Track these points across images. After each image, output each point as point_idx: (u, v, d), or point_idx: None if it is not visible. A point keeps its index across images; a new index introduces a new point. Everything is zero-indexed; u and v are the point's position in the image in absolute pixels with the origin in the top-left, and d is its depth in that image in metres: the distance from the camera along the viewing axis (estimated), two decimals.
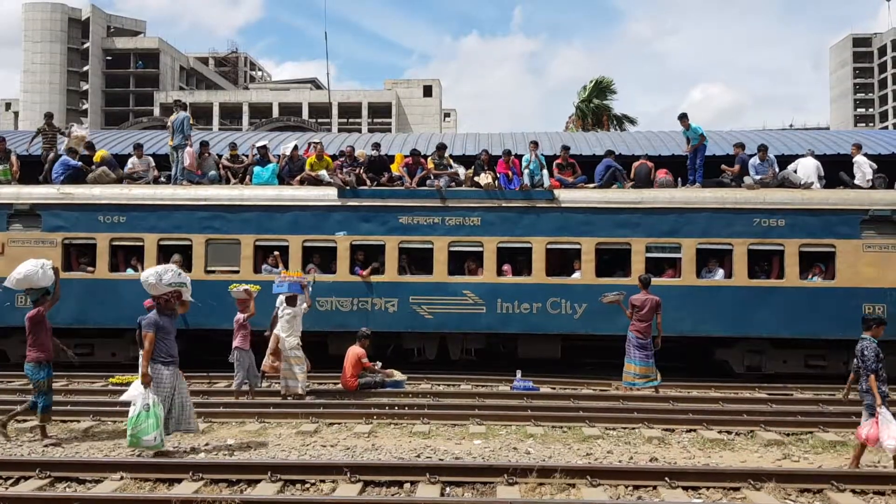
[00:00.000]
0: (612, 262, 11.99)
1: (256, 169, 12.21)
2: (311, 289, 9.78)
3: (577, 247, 11.49)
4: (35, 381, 7.04)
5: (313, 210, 11.58)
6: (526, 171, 11.74)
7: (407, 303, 11.34)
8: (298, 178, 12.09)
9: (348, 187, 11.66)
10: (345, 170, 11.88)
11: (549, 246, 11.48)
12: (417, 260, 12.01)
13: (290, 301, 9.38)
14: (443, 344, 11.88)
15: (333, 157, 12.56)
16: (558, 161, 12.25)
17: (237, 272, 11.58)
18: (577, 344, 12.25)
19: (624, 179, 12.07)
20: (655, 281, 10.66)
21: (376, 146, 12.31)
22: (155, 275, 6.42)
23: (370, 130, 54.82)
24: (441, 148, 12.11)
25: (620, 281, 11.27)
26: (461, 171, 12.30)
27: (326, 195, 11.70)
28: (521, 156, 12.07)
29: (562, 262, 11.94)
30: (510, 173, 11.75)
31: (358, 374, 9.64)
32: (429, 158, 12.16)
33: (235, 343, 9.18)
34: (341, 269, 11.56)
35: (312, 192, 11.74)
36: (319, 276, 11.63)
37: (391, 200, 11.62)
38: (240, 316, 9.26)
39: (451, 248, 11.55)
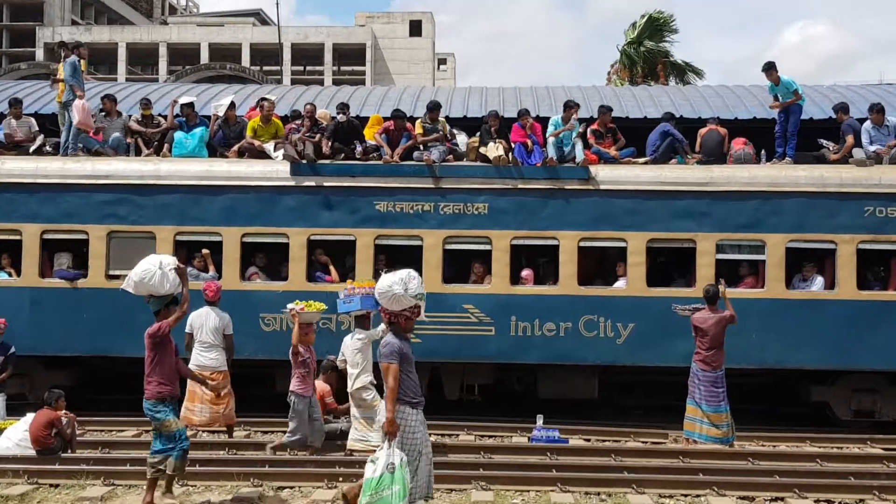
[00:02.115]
0: (670, 265, 12.05)
1: (178, 135, 12.30)
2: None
3: (622, 244, 11.56)
4: (158, 421, 7.18)
5: (257, 192, 11.68)
6: (552, 140, 11.82)
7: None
8: (236, 147, 12.21)
9: (305, 161, 11.71)
10: (298, 137, 11.91)
11: (582, 243, 11.54)
12: (401, 261, 11.85)
13: (361, 322, 9.42)
14: (436, 377, 11.93)
15: (285, 120, 12.64)
16: (595, 127, 12.29)
17: None
18: (620, 379, 12.32)
19: (686, 152, 12.19)
20: (730, 293, 10.73)
21: (343, 106, 12.36)
22: (400, 283, 6.41)
23: (336, 83, 54.65)
24: (434, 108, 12.20)
25: (680, 292, 11.35)
26: (461, 139, 12.45)
27: (275, 172, 11.77)
28: (546, 119, 12.12)
29: (600, 265, 12.02)
30: (529, 142, 11.83)
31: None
32: (417, 122, 12.21)
33: (293, 385, 9.21)
34: (295, 273, 11.63)
35: (256, 168, 11.83)
36: (264, 283, 11.72)
37: (364, 180, 11.70)
38: (298, 347, 9.19)
39: (448, 246, 11.63)
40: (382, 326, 9.05)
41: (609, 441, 10.66)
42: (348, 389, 9.40)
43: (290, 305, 9.28)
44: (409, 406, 6.33)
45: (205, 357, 9.92)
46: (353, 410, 9.35)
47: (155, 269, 7.07)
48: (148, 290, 7.14)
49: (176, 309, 7.21)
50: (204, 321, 9.98)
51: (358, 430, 9.33)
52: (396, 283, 6.38)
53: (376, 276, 11.34)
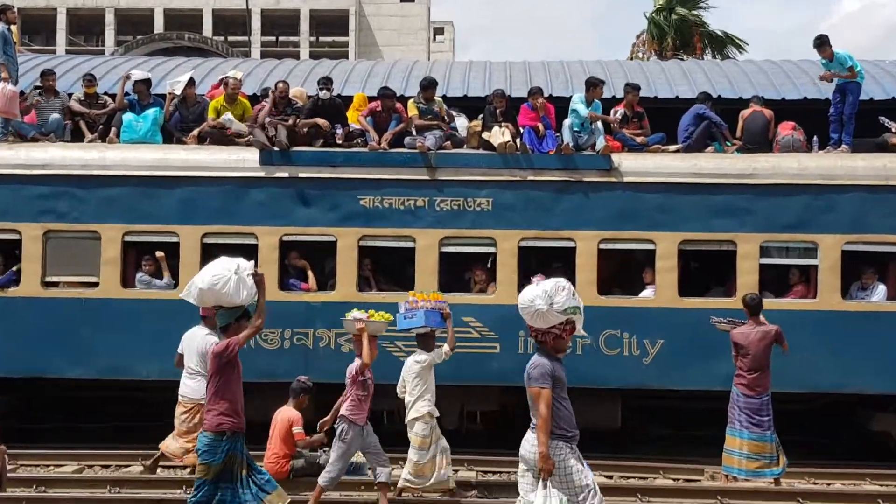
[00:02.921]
0: (706, 271, 12.09)
1: (128, 117, 12.32)
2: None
3: (650, 247, 11.64)
4: (208, 462, 6.86)
5: (220, 185, 11.74)
6: (568, 124, 11.86)
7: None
8: (196, 132, 12.23)
9: (277, 148, 11.74)
10: (269, 120, 11.95)
11: (603, 245, 11.62)
12: (389, 266, 12.17)
13: (424, 342, 9.39)
14: None
15: (254, 100, 12.73)
16: (621, 108, 12.31)
17: (96, 284, 11.72)
18: (647, 405, 12.37)
19: (726, 138, 12.25)
20: (777, 304, 10.78)
21: (326, 81, 12.36)
22: (543, 297, 6.29)
23: (314, 56, 54.54)
24: (429, 86, 12.25)
25: (718, 303, 11.35)
26: (461, 122, 12.54)
27: (242, 161, 11.82)
28: (561, 99, 12.21)
29: (624, 271, 12.07)
30: (541, 126, 11.88)
31: (291, 453, 9.66)
32: (409, 102, 12.25)
33: (344, 410, 8.89)
34: (266, 279, 11.33)
35: (219, 157, 11.87)
36: None
37: (346, 170, 11.75)
38: (356, 366, 8.89)
39: (445, 248, 11.69)
40: (446, 348, 9.23)
41: (634, 478, 10.68)
42: (406, 420, 9.37)
43: (354, 314, 9.04)
44: (562, 441, 6.23)
45: (184, 385, 9.74)
46: (412, 441, 9.25)
47: (229, 275, 6.82)
48: (218, 299, 6.89)
49: (247, 324, 6.97)
50: (189, 342, 9.78)
51: (409, 471, 9.22)
52: (539, 298, 6.27)
53: (363, 283, 11.68)
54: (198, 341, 9.56)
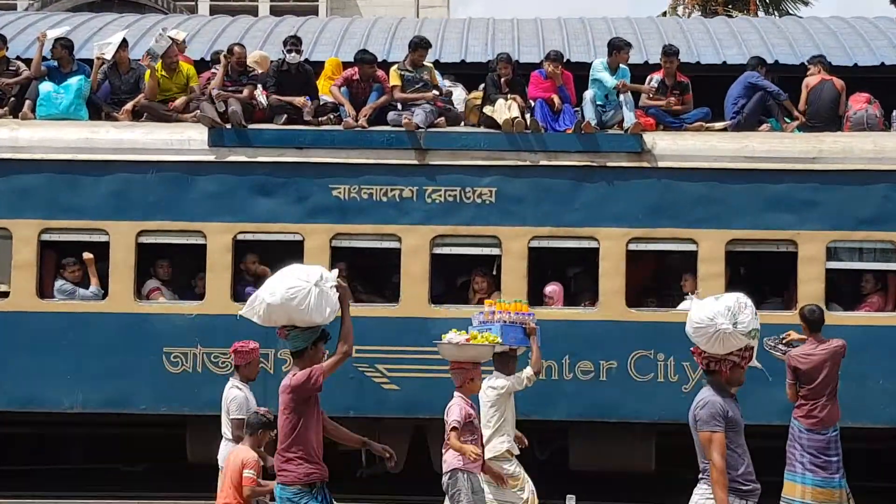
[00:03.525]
0: (760, 277, 12.08)
1: (45, 87, 12.26)
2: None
3: (690, 247, 11.65)
4: None
5: (160, 171, 11.75)
6: (589, 96, 11.86)
7: (348, 360, 11.32)
8: (131, 105, 12.19)
9: (230, 126, 11.74)
10: (220, 92, 11.91)
11: (633, 245, 11.67)
12: (369, 272, 12.20)
13: (503, 363, 9.23)
14: (419, 440, 11.95)
15: (202, 66, 12.63)
16: (658, 75, 12.33)
17: (5, 294, 11.71)
18: (687, 444, 11.97)
19: (787, 111, 12.24)
20: (846, 318, 10.79)
21: (295, 42, 12.33)
22: (726, 315, 6.20)
23: (276, 12, 53.81)
24: (419, 46, 12.22)
25: (775, 317, 11.18)
26: (458, 94, 12.49)
27: (187, 141, 11.84)
28: (580, 65, 12.20)
29: (658, 277, 12.16)
30: (556, 99, 11.85)
31: (245, 502, 9.35)
32: (393, 69, 12.22)
33: (451, 458, 8.47)
34: (216, 289, 11.70)
35: (159, 136, 11.87)
36: (170, 303, 11.80)
37: (316, 153, 11.77)
38: (464, 405, 8.41)
39: (437, 250, 11.72)
40: (528, 371, 9.10)
41: None
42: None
43: (451, 336, 8.78)
44: (736, 496, 6.11)
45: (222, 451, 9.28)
46: (485, 487, 8.99)
47: (308, 287, 6.55)
48: (291, 317, 6.66)
49: (324, 348, 6.84)
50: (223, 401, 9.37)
51: None
52: (721, 315, 6.15)
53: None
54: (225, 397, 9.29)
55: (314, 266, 6.93)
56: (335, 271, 6.93)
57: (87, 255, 11.61)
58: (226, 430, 9.11)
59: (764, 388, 10.55)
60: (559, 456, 12.10)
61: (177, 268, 12.08)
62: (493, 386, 9.05)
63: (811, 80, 12.31)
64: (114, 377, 11.39)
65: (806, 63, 12.79)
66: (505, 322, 9.04)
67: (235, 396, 8.95)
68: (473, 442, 8.38)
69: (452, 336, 8.67)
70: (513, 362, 9.20)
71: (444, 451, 8.50)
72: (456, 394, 8.41)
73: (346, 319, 6.77)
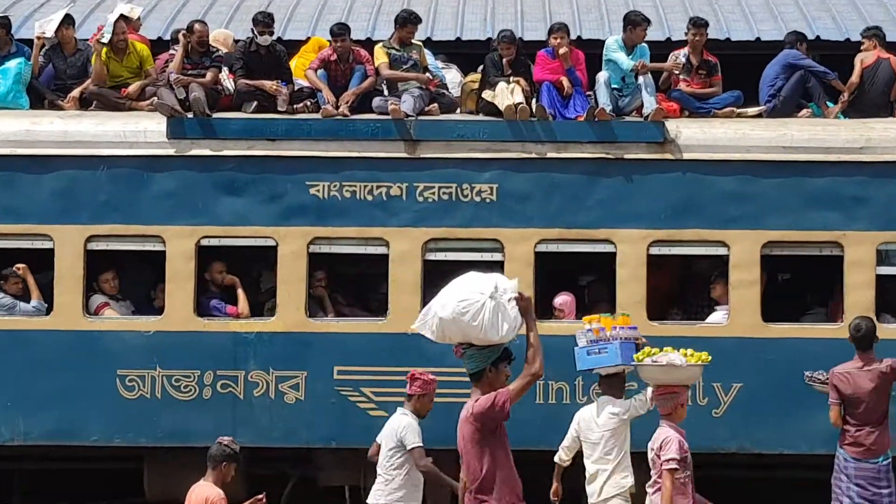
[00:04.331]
0: (799, 285, 12.26)
1: None
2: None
3: (721, 251, 11.60)
4: None
5: (112, 167, 11.66)
6: (603, 78, 11.78)
7: (328, 381, 11.42)
8: (78, 92, 12.14)
9: (192, 115, 11.65)
10: (179, 77, 11.84)
11: (654, 249, 11.59)
12: (352, 282, 12.31)
13: (612, 385, 9.24)
14: None
15: (158, 47, 12.66)
16: (684, 50, 12.26)
17: None
18: (719, 475, 11.86)
19: (825, 97, 12.14)
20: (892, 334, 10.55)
21: (266, 20, 12.24)
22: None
23: None
24: (407, 21, 12.24)
25: (818, 330, 11.31)
26: (452, 77, 12.55)
27: (143, 133, 11.73)
28: (594, 43, 12.30)
29: (685, 286, 12.16)
30: (566, 82, 11.78)
31: None
32: (378, 48, 12.24)
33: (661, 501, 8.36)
34: (177, 302, 11.61)
35: (110, 127, 11.79)
36: (123, 319, 11.73)
37: (291, 145, 11.69)
38: (678, 438, 8.18)
39: (431, 255, 11.63)
40: (650, 392, 8.93)
41: None
42: (591, 501, 9.20)
43: (670, 356, 8.65)
44: None
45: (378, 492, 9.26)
46: None
47: (483, 299, 6.62)
48: (466, 334, 6.71)
49: (507, 369, 6.82)
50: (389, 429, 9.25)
51: None
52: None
53: (314, 305, 11.68)
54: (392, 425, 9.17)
55: (490, 274, 6.92)
56: (514, 281, 6.85)
57: (18, 267, 11.54)
58: (387, 467, 9.07)
59: (810, 412, 10.64)
60: (574, 490, 11.34)
61: (132, 278, 12.02)
62: (613, 411, 9.04)
63: (866, 58, 12.16)
64: (60, 404, 11.31)
65: (861, 36, 12.71)
66: (623, 339, 8.98)
67: (410, 423, 8.96)
68: (688, 479, 8.15)
69: (673, 356, 8.52)
70: (622, 384, 9.25)
71: (650, 491, 8.30)
72: (664, 423, 8.19)
73: (532, 335, 6.67)
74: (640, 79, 11.77)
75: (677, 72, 12.08)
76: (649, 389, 8.87)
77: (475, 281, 6.80)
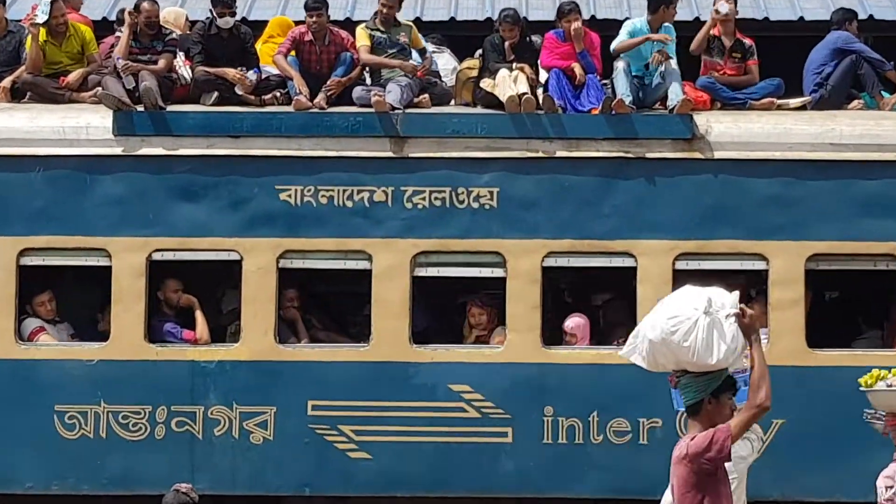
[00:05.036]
0: (850, 304, 12.21)
1: None
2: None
3: (759, 265, 11.45)
4: None
5: (49, 168, 11.57)
6: (622, 66, 11.68)
7: (301, 418, 11.28)
8: (8, 81, 12.09)
9: (142, 108, 11.52)
10: (127, 63, 11.69)
11: (681, 264, 11.40)
12: (329, 302, 12.42)
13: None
14: None
15: (103, 29, 12.56)
16: (716, 33, 12.14)
17: None
18: None
19: (879, 86, 12.03)
20: None
21: (223, 3, 12.06)
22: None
23: None
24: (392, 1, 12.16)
25: (872, 358, 10.73)
26: (445, 62, 12.57)
27: (85, 129, 11.59)
28: (610, 24, 12.38)
29: None
30: (578, 70, 11.67)
31: None
32: (359, 29, 12.17)
33: None
34: (124, 326, 11.47)
35: (47, 122, 11.69)
36: (62, 346, 11.63)
37: (257, 143, 11.58)
38: None
39: (421, 272, 11.50)
40: (759, 431, 8.96)
41: None
42: None
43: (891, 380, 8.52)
44: None
45: None
46: None
47: (695, 316, 6.48)
48: (678, 358, 6.58)
49: (731, 401, 6.66)
50: None
51: None
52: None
53: (286, 330, 11.63)
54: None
55: (707, 288, 6.69)
56: (734, 295, 6.68)
57: None
58: None
59: (866, 453, 10.23)
60: None
61: (72, 298, 11.89)
62: (742, 455, 8.80)
63: None
64: None
65: None
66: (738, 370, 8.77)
67: None
68: None
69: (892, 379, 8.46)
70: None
71: None
72: None
73: (757, 360, 6.54)
74: (662, 65, 11.65)
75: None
76: (757, 429, 8.72)
77: (688, 295, 6.62)
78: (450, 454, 11.24)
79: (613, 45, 11.81)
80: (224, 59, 11.85)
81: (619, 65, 11.67)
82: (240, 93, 11.70)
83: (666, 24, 11.88)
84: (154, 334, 11.41)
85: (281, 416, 11.20)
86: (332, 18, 12.38)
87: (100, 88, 11.55)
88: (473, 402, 11.22)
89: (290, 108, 11.58)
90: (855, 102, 11.88)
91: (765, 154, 11.37)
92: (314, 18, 11.80)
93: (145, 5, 11.93)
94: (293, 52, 11.90)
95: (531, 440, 11.16)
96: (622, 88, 11.48)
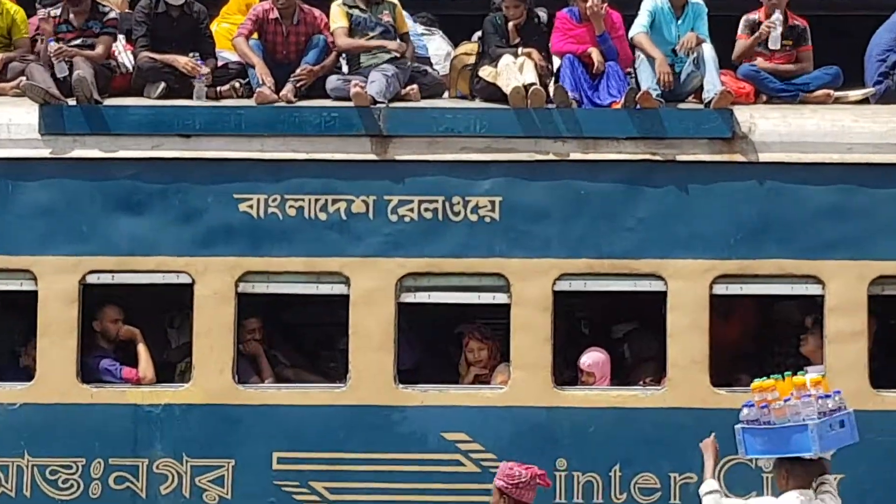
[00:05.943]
0: None
1: None
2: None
3: (812, 289, 11.32)
4: None
5: None
6: (642, 59, 11.64)
7: (264, 473, 11.12)
8: None
9: (75, 101, 11.44)
10: (59, 47, 11.63)
11: (719, 288, 11.28)
12: (298, 334, 12.40)
13: (809, 473, 8.84)
14: None
15: (29, 8, 12.55)
16: (758, 17, 12.04)
17: None
18: None
19: None
20: None
21: None
22: None
23: None
24: None
25: None
26: (437, 45, 12.72)
27: (5, 126, 11.54)
28: (634, 3, 12.08)
29: (761, 338, 12.11)
30: (596, 56, 11.58)
31: None
32: (335, 6, 12.08)
33: None
34: (52, 363, 11.32)
35: None
36: None
37: (212, 143, 11.42)
38: None
39: (407, 297, 11.36)
40: (833, 480, 8.70)
41: None
42: None
43: None
44: None
45: None
46: None
47: None
48: None
49: None
50: None
51: None
52: None
53: (246, 366, 11.53)
54: None
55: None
56: None
57: None
58: None
59: None
60: None
61: None
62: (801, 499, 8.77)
63: None
64: None
65: None
66: (827, 413, 8.37)
67: None
68: None
69: None
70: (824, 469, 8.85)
71: None
72: None
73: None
74: (694, 52, 11.55)
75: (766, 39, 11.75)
76: (831, 478, 8.39)
77: None
78: None
79: (632, 32, 11.76)
80: (173, 43, 11.74)
81: (642, 58, 11.67)
82: (200, 93, 11.63)
83: (698, 2, 11.80)
84: (88, 373, 11.20)
85: (240, 471, 11.04)
86: None
87: (23, 78, 11.45)
88: (471, 454, 11.08)
89: (251, 102, 11.45)
90: None
91: (819, 157, 11.21)
92: (286, 4, 11.75)
93: None
94: (256, 35, 11.79)
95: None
96: (648, 79, 11.38)
